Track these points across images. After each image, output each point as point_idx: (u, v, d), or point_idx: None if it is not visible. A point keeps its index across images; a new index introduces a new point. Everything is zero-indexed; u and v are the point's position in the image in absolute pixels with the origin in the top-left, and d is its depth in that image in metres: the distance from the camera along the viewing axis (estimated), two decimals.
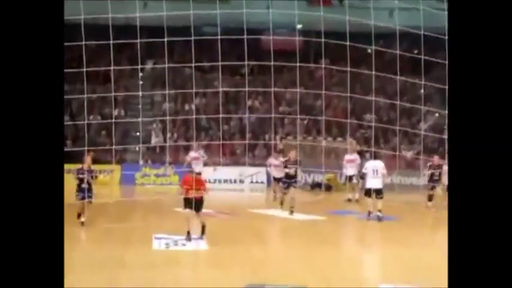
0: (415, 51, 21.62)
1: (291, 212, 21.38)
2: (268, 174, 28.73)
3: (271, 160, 26.23)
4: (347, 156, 26.89)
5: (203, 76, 34.31)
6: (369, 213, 20.72)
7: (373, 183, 20.74)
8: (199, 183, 16.27)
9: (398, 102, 24.90)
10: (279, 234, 18.85)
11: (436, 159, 23.83)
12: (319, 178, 31.35)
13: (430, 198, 23.44)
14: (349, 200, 26.20)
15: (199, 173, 26.04)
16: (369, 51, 31.05)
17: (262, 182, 31.95)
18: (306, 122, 34.72)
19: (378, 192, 20.67)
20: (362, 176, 21.70)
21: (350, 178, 26.59)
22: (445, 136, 29.39)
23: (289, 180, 21.81)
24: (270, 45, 22.91)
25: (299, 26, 34.17)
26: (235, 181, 32.80)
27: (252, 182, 32.56)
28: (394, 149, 28.57)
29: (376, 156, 21.75)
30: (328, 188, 31.11)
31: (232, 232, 18.27)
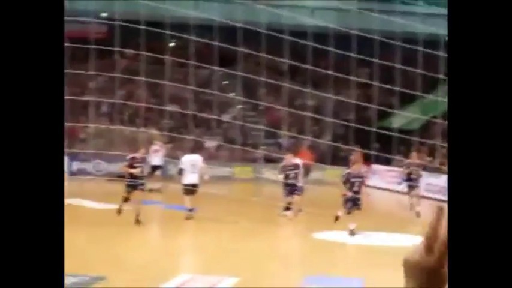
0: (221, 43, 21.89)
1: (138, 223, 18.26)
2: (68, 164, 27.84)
3: None
4: (153, 147, 26.89)
5: None
6: (191, 210, 19.34)
7: (192, 178, 19.52)
8: None
9: (192, 87, 24.70)
10: (81, 223, 18.50)
11: (289, 157, 20.60)
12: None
13: (288, 207, 19.89)
14: (151, 190, 26.12)
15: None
16: (172, 44, 31.36)
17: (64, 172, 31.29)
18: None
19: (194, 187, 19.50)
20: (180, 172, 20.01)
21: (154, 168, 26.56)
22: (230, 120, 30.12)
23: (134, 182, 18.58)
24: (74, 33, 22.46)
25: (103, 14, 33.78)
26: None
27: None
28: (196, 139, 28.92)
29: (193, 150, 21.45)
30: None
31: None
